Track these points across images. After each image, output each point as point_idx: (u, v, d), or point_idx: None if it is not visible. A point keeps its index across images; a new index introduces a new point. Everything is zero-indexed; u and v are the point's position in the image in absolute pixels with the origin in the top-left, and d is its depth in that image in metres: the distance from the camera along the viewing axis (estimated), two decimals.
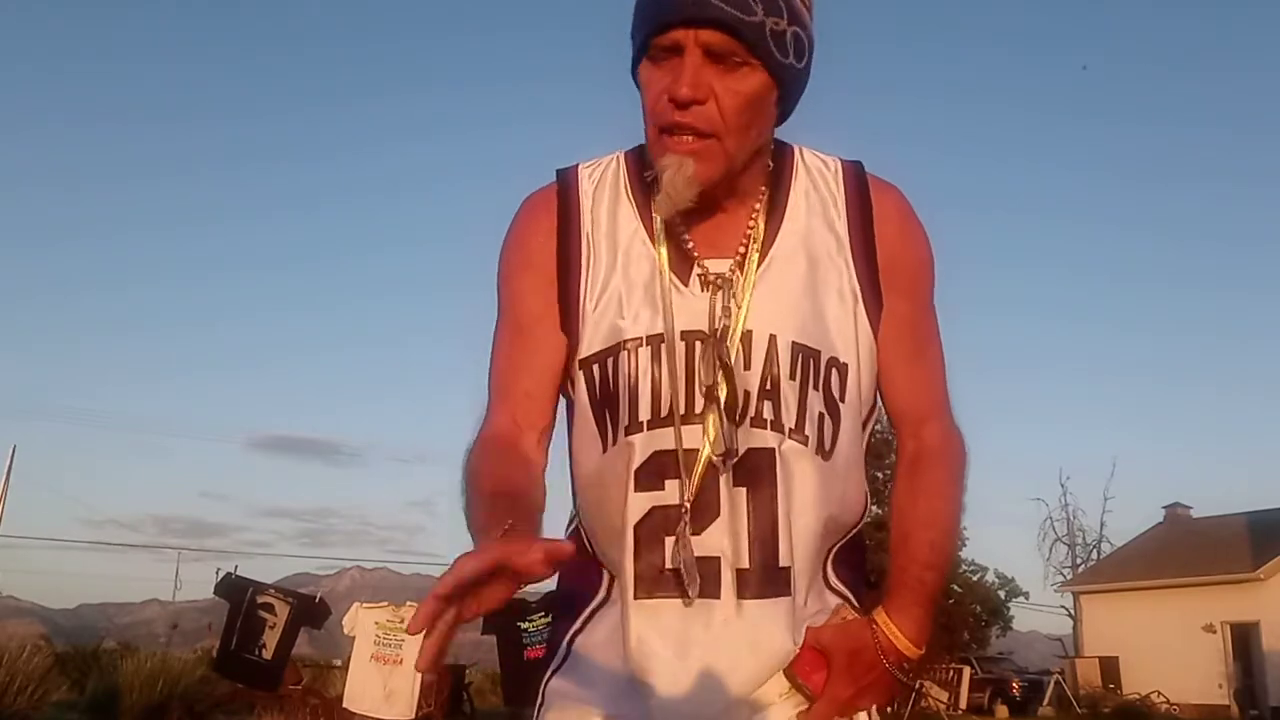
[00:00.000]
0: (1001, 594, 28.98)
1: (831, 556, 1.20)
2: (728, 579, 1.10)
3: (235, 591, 9.07)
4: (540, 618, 8.61)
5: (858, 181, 1.23)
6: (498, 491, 1.08)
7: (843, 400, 1.16)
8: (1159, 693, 23.92)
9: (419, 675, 8.77)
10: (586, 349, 1.18)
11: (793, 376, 1.13)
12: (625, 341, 1.15)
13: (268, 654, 8.85)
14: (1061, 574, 34.02)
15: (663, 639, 1.10)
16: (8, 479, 20.38)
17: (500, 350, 1.24)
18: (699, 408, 1.11)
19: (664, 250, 1.18)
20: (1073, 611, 30.51)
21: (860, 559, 1.26)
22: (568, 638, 1.19)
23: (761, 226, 1.19)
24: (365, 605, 9.15)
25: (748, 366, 1.13)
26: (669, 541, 1.10)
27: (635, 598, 1.11)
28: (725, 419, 1.10)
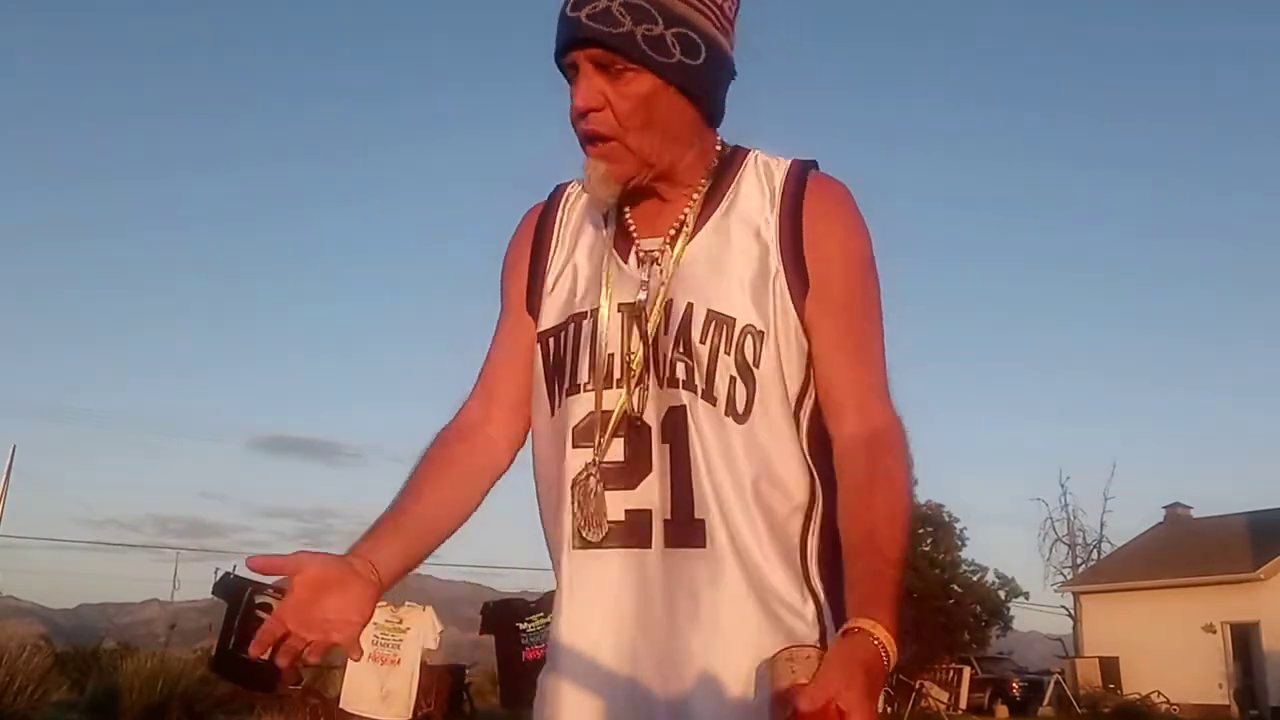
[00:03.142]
0: (1001, 594, 28.97)
1: (814, 553, 1.23)
2: (658, 530, 1.21)
3: (233, 591, 9.03)
4: (539, 618, 8.62)
5: (799, 176, 1.31)
6: (398, 507, 1.26)
7: (757, 365, 1.22)
8: (1159, 693, 23.92)
9: (416, 675, 8.78)
10: (544, 324, 1.33)
11: (703, 341, 1.22)
12: (574, 315, 1.30)
13: (265, 655, 8.83)
14: (1061, 574, 34.05)
15: (597, 586, 1.21)
16: (8, 479, 20.38)
17: (495, 335, 1.41)
18: (619, 373, 1.24)
19: (610, 233, 1.32)
20: (1073, 611, 30.51)
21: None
22: (553, 633, 1.30)
23: (696, 211, 1.30)
24: None
25: (666, 333, 1.24)
26: (604, 496, 1.22)
27: (574, 548, 1.23)
28: (637, 383, 1.23)
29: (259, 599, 9.13)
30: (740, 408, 1.21)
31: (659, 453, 1.21)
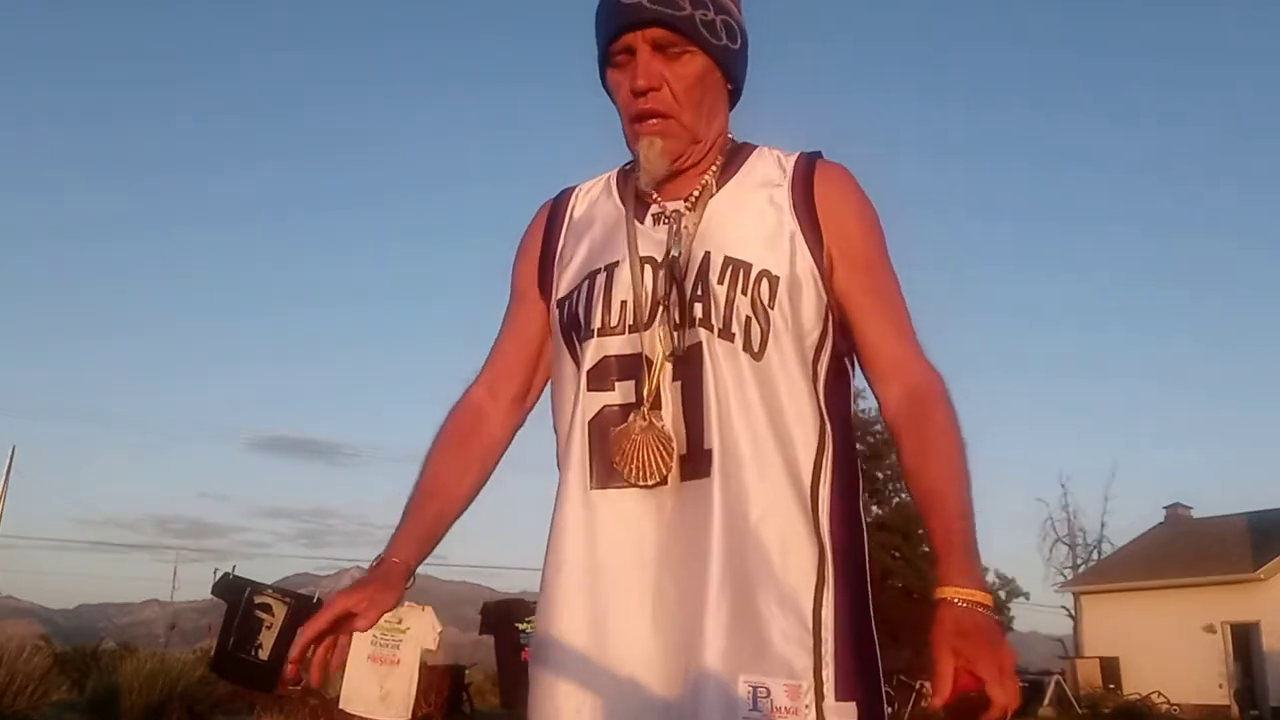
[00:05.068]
0: (1002, 594, 28.93)
1: (824, 496, 1.26)
2: (675, 466, 1.24)
3: (232, 591, 9.04)
4: None
5: (807, 161, 1.39)
6: (423, 491, 1.38)
7: (771, 306, 1.27)
8: (1159, 693, 23.89)
9: (415, 676, 8.76)
10: (561, 292, 1.39)
11: (720, 282, 1.27)
12: (591, 272, 1.36)
13: (264, 654, 8.82)
14: (1062, 574, 33.96)
15: (617, 525, 1.25)
16: (8, 479, 20.31)
17: (504, 322, 1.49)
18: (645, 317, 1.29)
19: (629, 202, 1.39)
20: (1073, 611, 30.46)
21: (856, 517, 1.30)
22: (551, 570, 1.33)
23: (715, 178, 1.37)
24: None
25: (685, 278, 1.29)
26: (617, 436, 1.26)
27: (592, 488, 1.27)
28: (677, 325, 1.27)
29: (258, 599, 9.15)
30: (756, 345, 1.26)
31: (671, 391, 1.26)
